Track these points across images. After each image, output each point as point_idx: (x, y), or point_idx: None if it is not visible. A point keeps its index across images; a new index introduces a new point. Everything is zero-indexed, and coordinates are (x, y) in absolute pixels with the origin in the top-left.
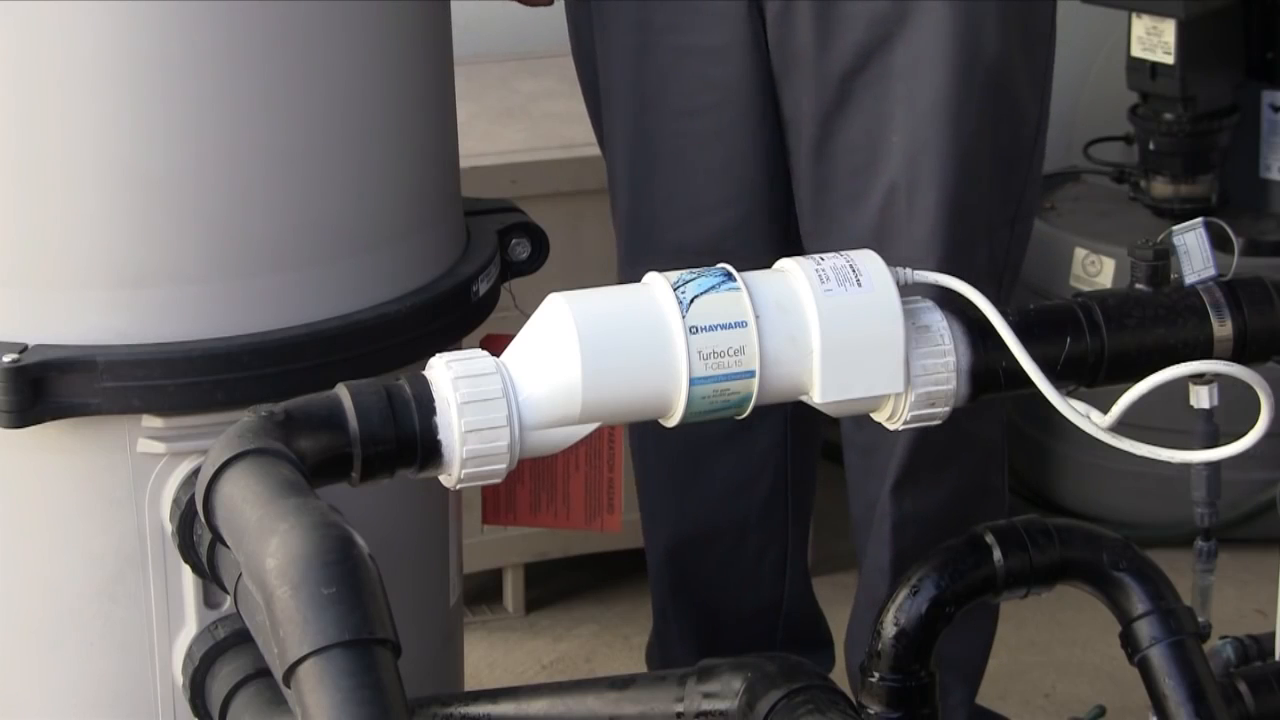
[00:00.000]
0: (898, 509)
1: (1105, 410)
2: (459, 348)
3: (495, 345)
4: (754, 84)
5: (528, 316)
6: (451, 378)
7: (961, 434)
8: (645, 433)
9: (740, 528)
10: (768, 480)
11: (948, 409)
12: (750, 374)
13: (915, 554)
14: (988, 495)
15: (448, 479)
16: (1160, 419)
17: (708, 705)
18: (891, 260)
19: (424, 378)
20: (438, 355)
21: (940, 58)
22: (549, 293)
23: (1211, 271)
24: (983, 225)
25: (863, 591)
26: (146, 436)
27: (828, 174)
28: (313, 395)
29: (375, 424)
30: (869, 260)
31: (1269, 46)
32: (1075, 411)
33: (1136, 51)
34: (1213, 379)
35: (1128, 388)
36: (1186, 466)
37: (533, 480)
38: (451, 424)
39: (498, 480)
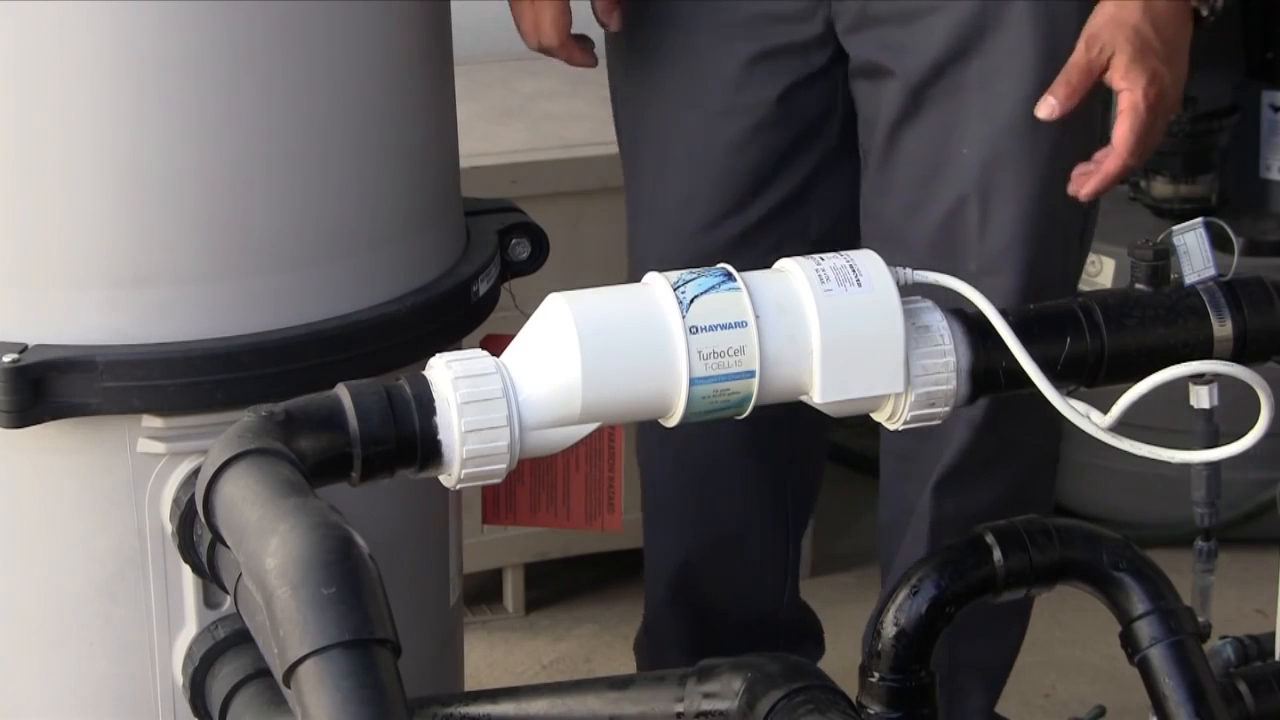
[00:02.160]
0: (938, 509)
1: (1105, 410)
2: (459, 348)
3: (495, 345)
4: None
5: (528, 316)
6: (451, 378)
7: (1012, 442)
8: (652, 437)
9: (743, 532)
10: (772, 485)
11: (948, 409)
12: (750, 374)
13: None
14: (1031, 507)
15: (448, 479)
16: (1160, 419)
17: (708, 705)
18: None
19: (424, 378)
20: (438, 355)
21: (1025, 68)
22: (549, 293)
23: (1211, 271)
24: (1059, 239)
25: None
26: (146, 436)
27: (888, 182)
28: (313, 395)
29: (375, 424)
30: (869, 260)
31: (1269, 46)
32: (1075, 411)
33: None
34: (1213, 379)
35: (1128, 388)
36: (1186, 466)
37: (533, 480)
38: (451, 424)
39: (498, 480)
